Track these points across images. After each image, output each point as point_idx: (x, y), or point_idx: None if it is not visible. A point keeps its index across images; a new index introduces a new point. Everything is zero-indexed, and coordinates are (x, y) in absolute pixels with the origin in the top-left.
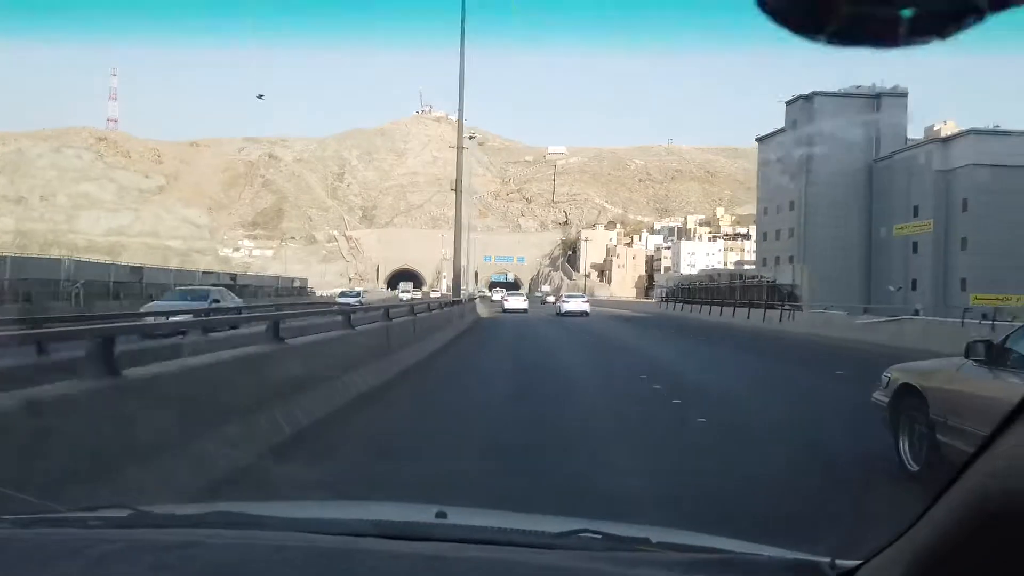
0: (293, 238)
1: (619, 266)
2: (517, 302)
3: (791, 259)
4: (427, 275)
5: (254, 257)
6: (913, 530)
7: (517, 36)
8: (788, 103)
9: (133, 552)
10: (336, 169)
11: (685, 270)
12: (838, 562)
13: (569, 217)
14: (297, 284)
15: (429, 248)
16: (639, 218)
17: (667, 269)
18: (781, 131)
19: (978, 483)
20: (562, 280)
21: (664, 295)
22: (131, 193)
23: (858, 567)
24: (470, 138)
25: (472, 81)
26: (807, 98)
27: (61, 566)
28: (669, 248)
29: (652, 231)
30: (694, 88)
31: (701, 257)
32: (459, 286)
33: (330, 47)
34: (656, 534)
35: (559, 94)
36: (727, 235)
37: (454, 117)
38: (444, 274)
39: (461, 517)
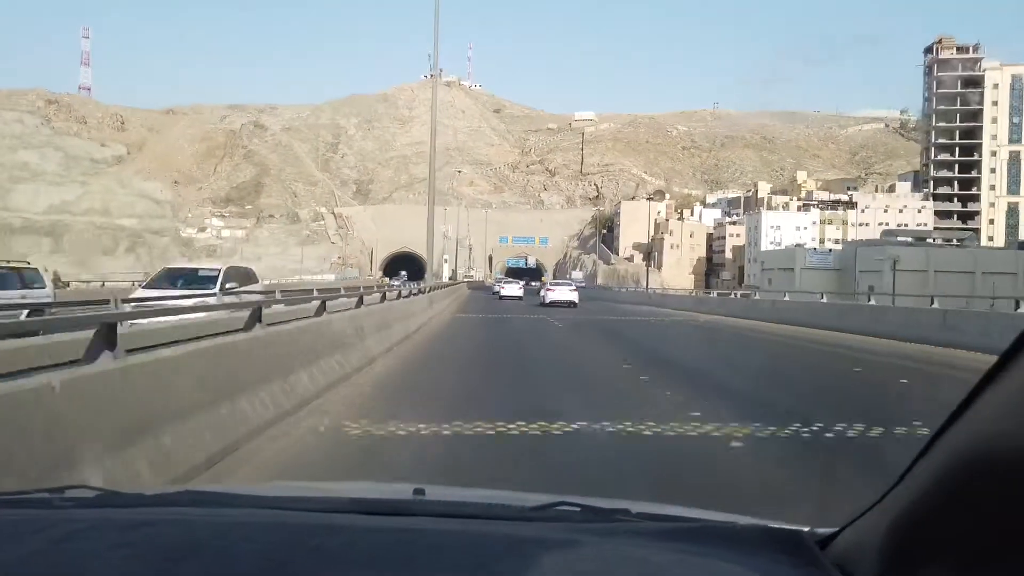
0: (272, 216)
1: (672, 246)
2: (512, 290)
3: None
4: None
5: (222, 239)
6: (890, 495)
7: None
8: None
9: (96, 531)
10: (330, 139)
11: (767, 248)
12: (817, 530)
13: (601, 190)
14: None
15: (433, 228)
16: (687, 191)
17: (734, 249)
18: None
19: (953, 448)
20: (596, 265)
21: None
22: (81, 164)
23: (836, 534)
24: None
25: (487, 43)
26: None
27: (21, 545)
28: (734, 223)
29: (705, 204)
30: (741, 47)
31: (788, 232)
32: None
33: (329, 4)
34: (635, 506)
35: (584, 56)
36: (822, 202)
37: (467, 82)
38: (446, 256)
39: (439, 494)
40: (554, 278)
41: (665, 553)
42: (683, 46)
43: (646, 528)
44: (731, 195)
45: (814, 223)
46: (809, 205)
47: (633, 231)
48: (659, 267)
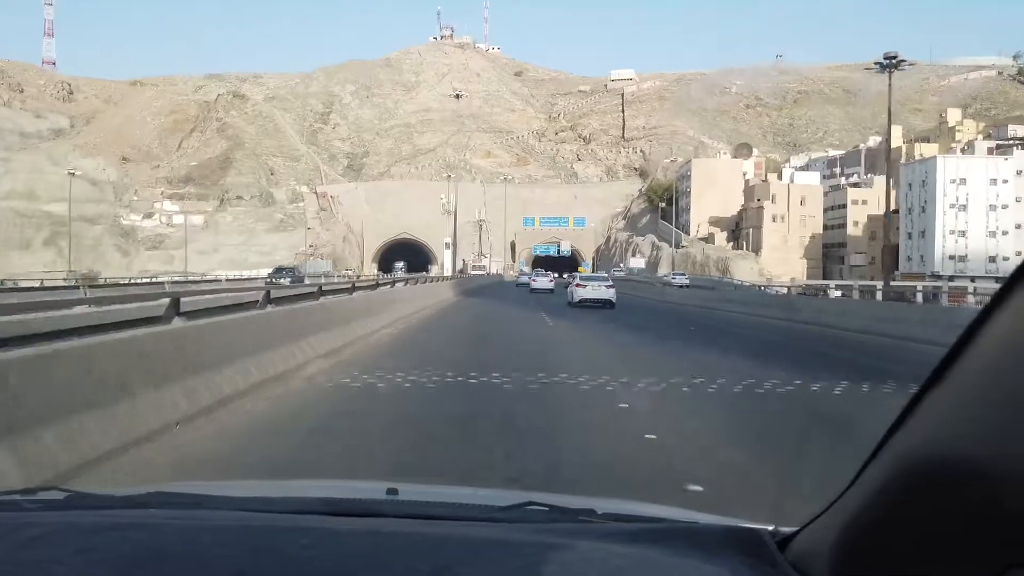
0: (239, 197)
1: (774, 218)
2: (543, 283)
3: None
4: (437, 248)
5: (174, 226)
6: (845, 496)
7: None
8: None
9: (61, 535)
10: (320, 108)
11: (944, 218)
12: (780, 529)
13: (650, 157)
14: None
15: (439, 208)
16: (765, 155)
17: (871, 220)
18: None
19: (903, 449)
20: (658, 250)
21: None
22: (6, 138)
23: (795, 534)
24: None
25: (505, 3)
26: None
27: None
28: (857, 184)
29: (786, 166)
30: None
31: (977, 186)
32: None
33: None
34: (601, 505)
35: (615, 11)
36: None
37: (483, 45)
38: (447, 240)
39: (412, 494)
40: (594, 269)
41: (627, 554)
42: None
43: (611, 529)
44: (833, 153)
45: (1019, 172)
46: (1010, 146)
47: (709, 201)
48: (756, 249)
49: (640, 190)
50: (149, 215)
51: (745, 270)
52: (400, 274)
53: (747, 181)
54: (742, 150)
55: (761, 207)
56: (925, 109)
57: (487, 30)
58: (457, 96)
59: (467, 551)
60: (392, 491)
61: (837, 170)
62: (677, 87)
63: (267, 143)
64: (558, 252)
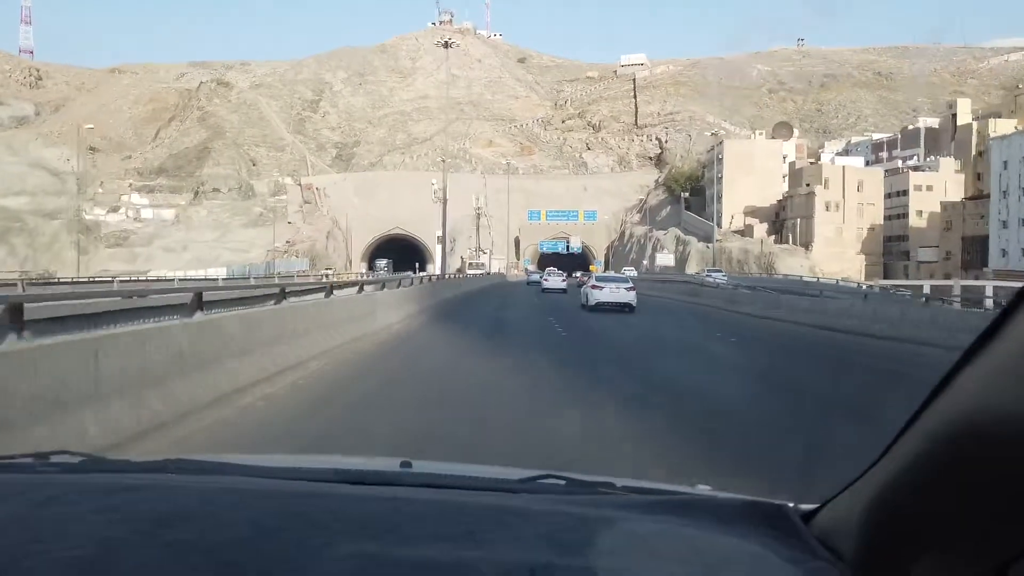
0: (216, 190)
1: (827, 206)
2: (555, 282)
3: None
4: (433, 244)
5: (142, 221)
6: (872, 471)
7: None
8: None
9: (79, 495)
10: (310, 95)
11: None
12: (801, 506)
13: (667, 145)
14: None
15: (435, 200)
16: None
17: (942, 210)
18: None
19: (934, 425)
20: (684, 246)
21: None
22: None
23: (819, 508)
24: None
25: None
26: None
27: (2, 508)
28: (918, 167)
29: (821, 151)
30: None
31: None
32: None
33: None
34: (620, 480)
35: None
36: None
37: (485, 32)
38: (438, 233)
39: (426, 467)
40: (607, 267)
41: (648, 525)
42: None
43: (630, 501)
44: (878, 136)
45: None
46: None
47: (743, 189)
48: (805, 243)
49: (657, 180)
50: (115, 209)
51: (793, 267)
52: (384, 273)
53: (791, 164)
54: (781, 130)
55: (811, 193)
56: (968, 93)
57: (488, 16)
58: (446, 45)
59: (489, 518)
60: (406, 464)
61: (884, 154)
62: (692, 72)
63: (249, 132)
64: (567, 249)
